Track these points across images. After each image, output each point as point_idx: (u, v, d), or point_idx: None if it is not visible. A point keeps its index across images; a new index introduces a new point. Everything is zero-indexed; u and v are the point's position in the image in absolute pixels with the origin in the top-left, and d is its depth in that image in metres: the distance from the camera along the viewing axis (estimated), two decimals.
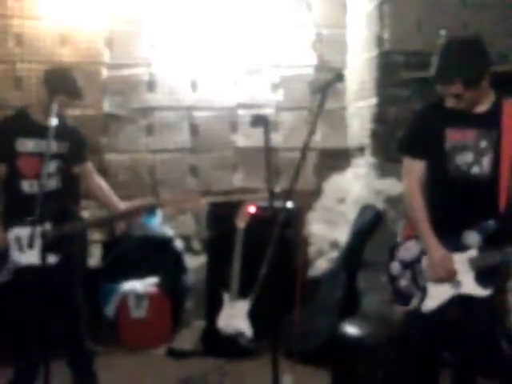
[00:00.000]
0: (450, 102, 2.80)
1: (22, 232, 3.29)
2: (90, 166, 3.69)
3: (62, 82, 3.47)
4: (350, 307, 4.32)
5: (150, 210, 3.78)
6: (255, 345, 4.23)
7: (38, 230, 3.09)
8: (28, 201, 3.13)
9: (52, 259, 3.29)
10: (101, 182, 3.69)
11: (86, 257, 3.80)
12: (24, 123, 3.45)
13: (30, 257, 3.23)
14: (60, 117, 3.46)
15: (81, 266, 3.67)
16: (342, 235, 4.66)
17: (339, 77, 2.95)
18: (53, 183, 3.42)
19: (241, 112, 5.25)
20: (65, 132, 3.47)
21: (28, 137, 3.39)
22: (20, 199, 3.32)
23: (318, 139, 5.18)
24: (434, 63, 2.78)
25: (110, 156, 5.13)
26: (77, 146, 3.57)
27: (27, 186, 3.36)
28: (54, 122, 3.17)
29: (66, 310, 3.45)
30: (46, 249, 3.09)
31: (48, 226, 3.31)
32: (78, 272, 3.56)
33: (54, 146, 3.35)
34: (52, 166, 3.39)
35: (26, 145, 3.39)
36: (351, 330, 3.84)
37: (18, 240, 3.33)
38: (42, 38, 5.02)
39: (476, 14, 4.56)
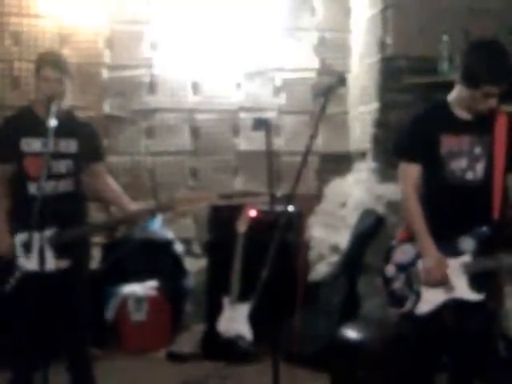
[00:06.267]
0: (487, 104, 2.81)
1: (29, 237, 3.11)
2: (102, 166, 3.56)
3: (46, 55, 3.42)
4: (350, 311, 4.31)
5: (163, 212, 3.69)
6: (255, 348, 4.21)
7: (40, 235, 3.05)
8: (35, 203, 2.95)
9: (60, 264, 3.25)
10: (112, 183, 3.56)
11: (89, 261, 3.75)
12: (29, 122, 3.32)
13: (36, 262, 3.09)
14: (67, 113, 3.41)
15: (86, 271, 3.58)
16: (343, 239, 4.65)
17: (341, 81, 2.98)
18: (64, 185, 3.31)
19: (242, 115, 5.24)
20: (74, 129, 3.36)
21: (33, 136, 3.26)
22: (27, 202, 3.13)
23: (320, 143, 5.18)
24: (470, 65, 2.81)
25: (111, 158, 5.06)
26: (88, 143, 3.43)
27: (34, 188, 3.20)
28: (53, 122, 3.05)
29: (70, 314, 3.40)
30: (56, 253, 3.09)
31: (55, 231, 3.24)
32: (84, 277, 3.49)
33: (62, 145, 3.27)
34: (62, 167, 3.30)
35: (32, 145, 3.27)
36: (351, 333, 3.84)
37: (26, 245, 3.16)
38: (40, 36, 4.99)
39: (479, 20, 4.55)
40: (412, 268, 2.99)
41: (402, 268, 3.01)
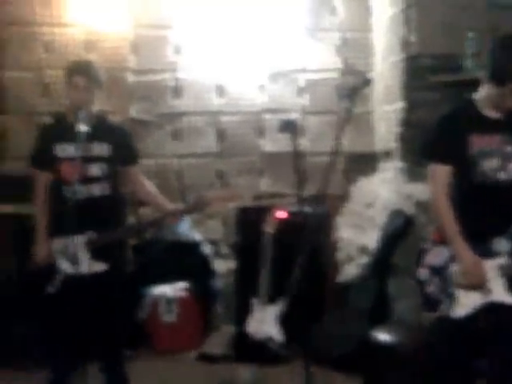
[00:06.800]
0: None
1: (67, 241, 3.24)
2: (136, 169, 3.59)
3: (76, 64, 3.48)
4: (380, 313, 4.29)
5: (197, 211, 3.71)
6: (285, 350, 4.22)
7: (76, 238, 3.11)
8: (72, 207, 3.05)
9: (96, 267, 3.30)
10: (148, 184, 3.61)
11: (126, 263, 3.81)
12: (63, 128, 3.40)
13: (72, 266, 3.19)
14: (99, 117, 3.46)
15: (123, 273, 3.65)
16: (371, 240, 4.63)
17: (366, 82, 2.98)
18: (99, 188, 3.37)
19: (267, 116, 5.27)
20: (106, 132, 3.42)
21: (67, 142, 3.32)
22: (63, 206, 3.20)
23: (345, 143, 5.16)
24: (497, 62, 2.80)
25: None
26: (121, 146, 3.48)
27: (69, 192, 3.25)
28: (83, 127, 3.17)
29: (106, 316, 3.45)
30: (93, 257, 3.14)
31: (91, 234, 3.30)
32: (120, 279, 3.55)
33: (95, 149, 3.33)
34: (96, 170, 3.36)
35: (66, 150, 3.34)
36: (383, 336, 3.82)
37: (64, 249, 3.29)
38: (68, 44, 5.08)
39: (503, 16, 4.52)
40: (446, 271, 2.94)
41: (436, 271, 2.97)
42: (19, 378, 3.96)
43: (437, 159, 3.00)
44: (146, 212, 4.61)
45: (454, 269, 2.92)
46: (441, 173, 2.98)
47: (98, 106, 3.53)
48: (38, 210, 3.44)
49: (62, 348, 3.38)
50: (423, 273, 3.01)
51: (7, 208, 4.49)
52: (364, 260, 4.66)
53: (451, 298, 2.91)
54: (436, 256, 3.00)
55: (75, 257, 3.14)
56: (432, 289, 2.97)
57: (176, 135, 5.26)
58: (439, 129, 3.03)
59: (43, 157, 3.44)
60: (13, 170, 4.77)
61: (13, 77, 5.08)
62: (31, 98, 5.08)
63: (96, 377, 3.45)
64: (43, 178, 3.45)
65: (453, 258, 2.93)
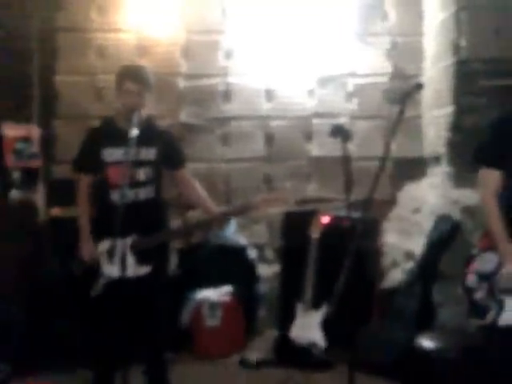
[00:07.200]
0: None
1: (113, 244, 3.30)
2: (184, 172, 3.65)
3: (127, 69, 3.53)
4: (425, 319, 4.23)
5: (243, 214, 3.73)
6: (328, 356, 4.20)
7: (122, 241, 3.17)
8: (118, 211, 3.03)
9: (140, 270, 3.35)
10: (197, 187, 3.64)
11: (168, 266, 3.86)
12: (110, 132, 3.46)
13: (118, 269, 3.18)
14: (147, 122, 3.51)
15: (165, 276, 3.69)
16: (417, 246, 4.59)
17: (418, 86, 2.96)
18: (144, 192, 3.43)
19: (315, 121, 5.27)
20: (153, 137, 3.46)
21: (115, 146, 3.37)
22: (109, 209, 3.24)
23: (393, 148, 5.12)
24: None
25: (186, 165, 5.22)
26: (167, 150, 3.52)
27: (116, 196, 3.30)
28: (135, 132, 3.18)
29: (148, 319, 3.50)
30: (138, 260, 3.20)
31: (136, 237, 3.34)
32: (163, 282, 3.58)
33: (142, 154, 3.38)
34: (142, 174, 3.41)
35: (114, 154, 3.39)
36: (427, 343, 3.79)
37: (110, 252, 3.35)
38: (121, 49, 5.20)
39: None
40: (495, 277, 2.92)
41: (485, 277, 2.95)
42: (62, 377, 4.01)
43: (487, 163, 2.98)
44: (194, 215, 4.68)
45: (500, 273, 2.89)
46: (491, 177, 2.98)
47: (148, 110, 3.60)
48: (81, 212, 3.52)
49: (104, 349, 3.45)
50: (471, 279, 2.99)
51: (56, 211, 4.63)
52: (409, 265, 4.62)
53: (499, 304, 2.88)
54: (485, 262, 2.98)
55: (121, 259, 3.18)
56: (480, 295, 2.95)
57: (225, 139, 5.31)
58: (491, 133, 3.03)
59: (87, 160, 3.50)
60: (62, 174, 4.90)
61: (66, 81, 5.21)
62: (84, 102, 5.20)
63: (138, 377, 3.51)
64: (84, 182, 3.53)
65: (502, 264, 2.90)
